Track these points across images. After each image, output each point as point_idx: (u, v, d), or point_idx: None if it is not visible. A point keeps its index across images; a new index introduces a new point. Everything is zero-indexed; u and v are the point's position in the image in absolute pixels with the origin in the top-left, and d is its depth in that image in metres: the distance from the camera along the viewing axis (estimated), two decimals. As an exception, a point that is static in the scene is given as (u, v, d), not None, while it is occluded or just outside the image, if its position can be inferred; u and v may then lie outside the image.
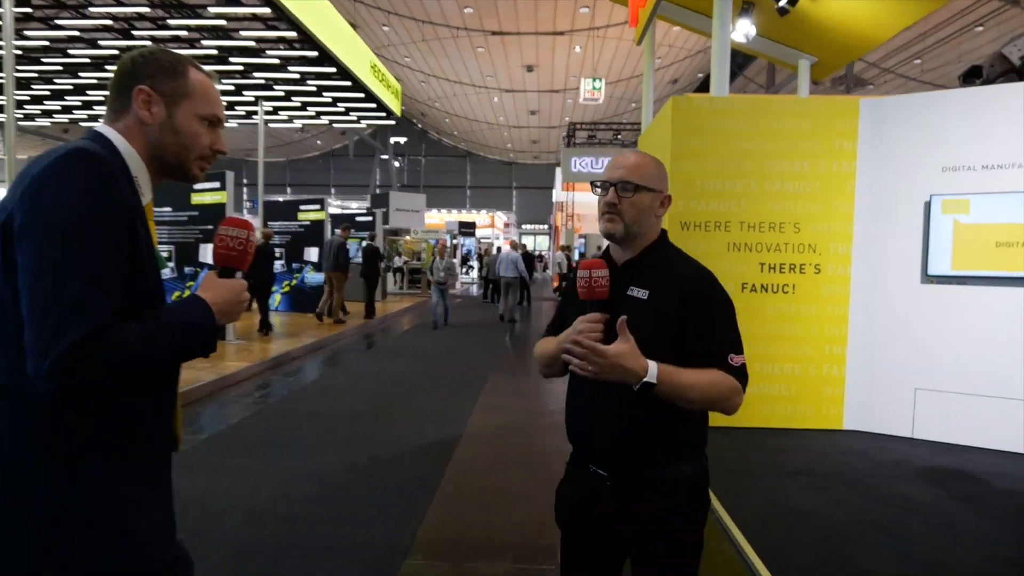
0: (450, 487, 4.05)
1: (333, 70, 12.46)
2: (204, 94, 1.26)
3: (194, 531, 3.24)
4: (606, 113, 30.37)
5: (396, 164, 34.34)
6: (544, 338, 1.69)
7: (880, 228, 5.15)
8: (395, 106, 15.83)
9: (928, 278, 4.98)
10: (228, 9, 10.40)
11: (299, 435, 5.11)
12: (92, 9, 10.86)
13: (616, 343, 1.36)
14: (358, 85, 13.27)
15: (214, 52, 12.22)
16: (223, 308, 1.20)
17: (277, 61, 12.56)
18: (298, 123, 19.14)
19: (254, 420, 5.55)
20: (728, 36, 6.00)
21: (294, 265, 12.97)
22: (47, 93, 15.95)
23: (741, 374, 1.44)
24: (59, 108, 17.59)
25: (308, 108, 16.46)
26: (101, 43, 12.36)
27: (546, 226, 40.75)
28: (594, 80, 18.92)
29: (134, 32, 11.82)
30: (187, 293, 8.92)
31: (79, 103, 16.84)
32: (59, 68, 13.83)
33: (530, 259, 19.51)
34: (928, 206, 4.95)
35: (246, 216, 22.89)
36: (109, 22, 11.44)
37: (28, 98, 16.36)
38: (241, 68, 13.05)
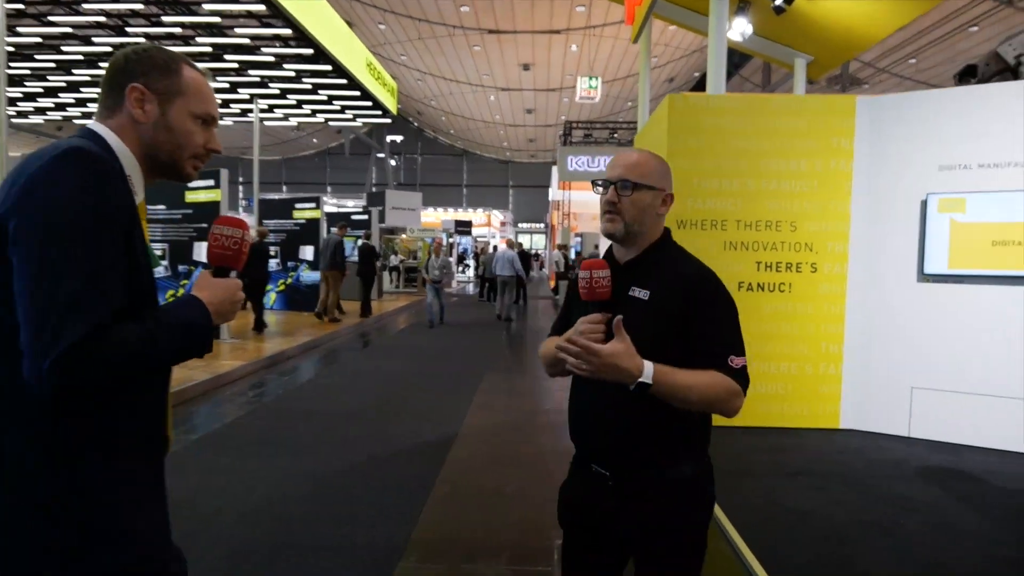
0: (445, 487, 4.03)
1: (329, 68, 12.41)
2: (198, 92, 1.25)
3: (187, 531, 3.22)
4: (602, 112, 30.39)
5: (392, 162, 34.32)
6: (549, 338, 1.69)
7: (877, 227, 5.15)
8: (391, 104, 15.79)
9: (925, 277, 4.99)
10: (223, 6, 10.33)
11: (294, 434, 5.09)
12: (85, 5, 10.77)
13: (611, 342, 1.35)
14: (354, 83, 13.23)
15: (208, 49, 12.16)
16: (219, 308, 1.20)
17: (272, 59, 12.50)
18: (294, 121, 19.04)
19: (248, 419, 5.53)
20: (724, 34, 5.99)
21: (289, 263, 12.93)
22: (40, 90, 15.85)
23: (741, 376, 1.43)
24: (52, 105, 17.48)
25: (304, 106, 16.39)
26: (95, 40, 12.28)
27: (542, 225, 40.77)
28: (590, 79, 18.95)
29: (128, 29, 11.74)
30: (181, 292, 8.89)
31: (73, 100, 16.74)
32: (52, 65, 13.74)
33: (526, 258, 19.51)
34: (924, 205, 4.96)
35: (241, 214, 22.83)
36: (103, 19, 11.35)
37: (21, 95, 16.26)
38: (236, 66, 12.98)
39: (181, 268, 9.15)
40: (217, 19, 10.92)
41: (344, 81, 13.27)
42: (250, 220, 13.11)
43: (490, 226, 36.28)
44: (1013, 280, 4.70)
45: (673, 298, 1.46)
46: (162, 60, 1.22)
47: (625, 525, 1.50)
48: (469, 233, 31.33)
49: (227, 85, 14.18)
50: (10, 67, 13.48)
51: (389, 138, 30.86)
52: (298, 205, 13.14)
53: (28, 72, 14.32)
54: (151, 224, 9.08)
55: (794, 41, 8.14)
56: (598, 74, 20.95)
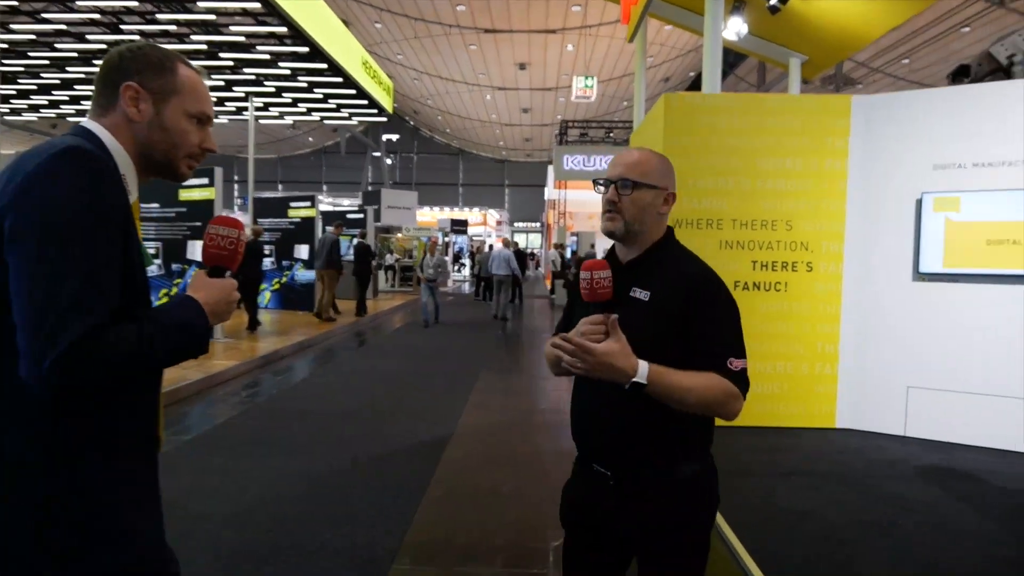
0: (440, 487, 4.02)
1: (325, 66, 12.37)
2: (193, 91, 1.24)
3: (180, 532, 3.20)
4: (598, 111, 30.42)
5: (388, 161, 34.28)
6: (552, 338, 1.69)
7: (872, 226, 5.16)
8: (387, 103, 15.75)
9: (920, 276, 5.00)
10: (218, 4, 10.28)
11: (288, 434, 5.07)
12: (80, 3, 10.71)
13: (606, 342, 1.35)
14: (350, 82, 13.19)
15: (203, 47, 12.10)
16: (215, 308, 1.19)
17: (268, 57, 12.45)
18: (289, 119, 18.98)
19: (242, 419, 5.50)
20: (720, 34, 6.00)
21: (284, 262, 12.89)
22: (34, 88, 15.76)
23: (741, 379, 1.41)
24: (46, 103, 17.39)
25: (299, 104, 16.33)
26: (89, 37, 12.21)
27: (538, 224, 40.78)
28: (586, 78, 18.94)
29: (122, 26, 11.68)
30: (174, 291, 8.84)
31: (67, 98, 16.64)
32: (46, 62, 13.66)
33: (522, 257, 19.49)
34: (919, 204, 4.97)
35: (236, 213, 22.75)
36: (97, 16, 11.29)
37: (14, 92, 16.16)
38: (231, 64, 12.93)
39: (175, 267, 9.10)
40: (212, 17, 10.87)
41: (340, 79, 13.23)
42: (245, 219, 13.06)
43: (486, 225, 36.27)
44: (1009, 279, 4.71)
45: (674, 298, 1.45)
46: (157, 58, 1.21)
47: (626, 524, 1.49)
48: (465, 232, 31.32)
49: (222, 83, 14.12)
50: (3, 64, 13.41)
51: (385, 137, 30.80)
52: (293, 204, 13.08)
53: (22, 69, 14.23)
54: (144, 222, 9.04)
55: (789, 41, 8.16)
56: (594, 73, 20.93)
